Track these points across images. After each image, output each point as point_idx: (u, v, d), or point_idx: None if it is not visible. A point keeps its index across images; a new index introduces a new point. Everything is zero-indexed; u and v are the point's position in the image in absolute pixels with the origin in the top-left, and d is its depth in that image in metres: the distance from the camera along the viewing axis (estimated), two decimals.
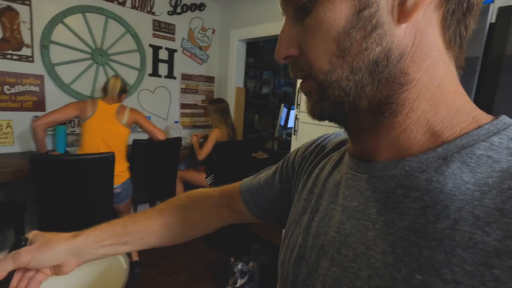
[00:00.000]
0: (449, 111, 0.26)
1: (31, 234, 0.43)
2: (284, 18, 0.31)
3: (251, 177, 0.53)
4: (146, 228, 0.47)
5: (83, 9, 2.11)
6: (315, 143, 0.45)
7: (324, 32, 0.26)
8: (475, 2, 0.25)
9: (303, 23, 0.28)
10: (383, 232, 0.25)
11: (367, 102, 0.27)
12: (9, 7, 1.83)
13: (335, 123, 0.31)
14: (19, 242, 0.41)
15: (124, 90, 1.93)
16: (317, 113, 0.30)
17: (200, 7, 2.79)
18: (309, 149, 0.45)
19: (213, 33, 2.96)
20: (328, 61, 0.27)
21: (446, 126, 0.26)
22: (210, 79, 3.04)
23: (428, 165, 0.25)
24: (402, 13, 0.24)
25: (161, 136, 1.96)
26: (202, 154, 2.35)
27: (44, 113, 1.99)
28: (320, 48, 0.27)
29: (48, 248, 0.41)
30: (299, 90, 0.30)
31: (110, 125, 1.80)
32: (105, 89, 1.88)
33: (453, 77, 0.27)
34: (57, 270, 0.42)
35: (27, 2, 1.89)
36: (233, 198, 0.52)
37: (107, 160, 1.62)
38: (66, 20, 2.05)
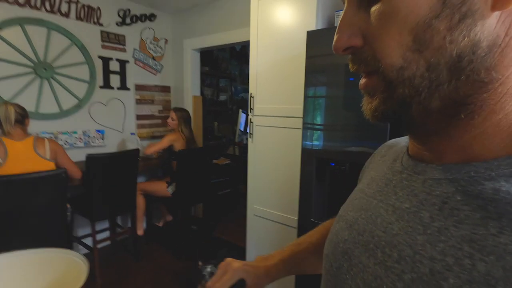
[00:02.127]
0: None
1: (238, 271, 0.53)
2: (346, 3, 0.27)
3: None
4: (309, 267, 0.56)
5: (20, 21, 2.00)
6: (374, 153, 0.44)
7: (400, 21, 0.23)
8: None
9: (370, 9, 0.25)
10: (435, 238, 0.24)
11: (439, 103, 0.24)
12: None
13: (398, 125, 0.28)
14: (242, 285, 0.52)
15: (24, 115, 1.62)
16: (380, 115, 0.27)
17: (151, 17, 2.78)
18: (369, 160, 0.45)
19: (166, 43, 2.96)
20: (401, 56, 0.23)
21: None
22: (166, 89, 3.02)
23: (499, 172, 0.23)
24: None
25: (76, 176, 1.84)
26: (151, 149, 2.35)
27: None
28: (393, 40, 0.24)
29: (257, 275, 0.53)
30: (361, 90, 0.28)
31: (33, 165, 1.54)
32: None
33: None
34: None
35: None
36: None
37: (59, 177, 1.55)
38: (1, 32, 1.93)
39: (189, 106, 2.91)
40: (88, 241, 2.28)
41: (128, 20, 2.61)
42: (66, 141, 2.31)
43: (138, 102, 2.79)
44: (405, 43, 0.23)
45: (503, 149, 0.23)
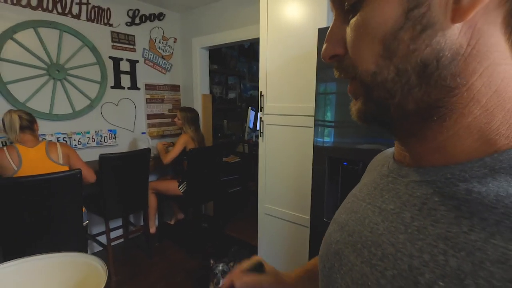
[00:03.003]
0: (507, 118, 0.24)
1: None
2: (334, 15, 0.30)
3: None
4: None
5: (34, 24, 2.04)
6: (373, 160, 0.47)
7: (371, 32, 0.26)
8: None
9: (350, 22, 0.27)
10: (414, 237, 0.25)
11: (414, 105, 0.26)
12: None
13: (381, 126, 0.31)
14: (261, 266, 0.51)
15: (32, 120, 1.63)
16: (362, 116, 0.30)
17: (160, 16, 2.79)
18: (368, 166, 0.47)
19: (174, 42, 2.97)
20: (373, 62, 0.26)
21: (502, 135, 0.24)
22: (175, 88, 3.04)
23: (472, 174, 0.24)
24: (457, 11, 0.22)
25: (91, 179, 1.81)
26: (168, 157, 2.36)
27: None
28: (366, 49, 0.26)
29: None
30: (348, 93, 0.32)
31: (47, 171, 1.53)
32: (6, 131, 1.58)
33: None
34: None
35: None
36: None
37: (74, 177, 1.58)
38: (16, 36, 1.97)
39: (198, 104, 2.92)
40: (102, 238, 2.33)
41: (137, 20, 2.63)
42: (80, 141, 2.35)
43: (148, 101, 2.81)
44: (376, 51, 0.26)
45: (475, 151, 0.25)
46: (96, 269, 0.49)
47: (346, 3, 0.28)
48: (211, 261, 1.88)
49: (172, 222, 2.84)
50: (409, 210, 0.28)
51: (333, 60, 0.30)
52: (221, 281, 1.79)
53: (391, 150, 0.41)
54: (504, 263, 0.20)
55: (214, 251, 2.41)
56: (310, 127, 1.47)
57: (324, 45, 0.30)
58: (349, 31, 0.28)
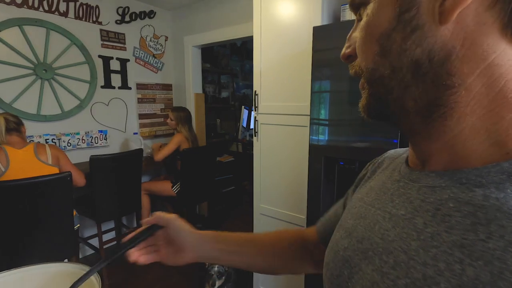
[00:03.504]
0: None
1: (158, 217, 0.51)
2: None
3: (324, 217, 0.54)
4: (250, 259, 0.55)
5: (19, 22, 1.97)
6: (373, 162, 0.46)
7: (369, 33, 0.28)
8: None
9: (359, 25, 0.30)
10: (427, 244, 0.25)
11: (413, 103, 0.27)
12: None
13: (386, 122, 0.32)
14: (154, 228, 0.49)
15: (19, 123, 1.62)
16: (366, 110, 0.32)
17: (150, 14, 2.74)
18: (368, 169, 0.46)
19: (166, 40, 2.93)
20: (372, 60, 0.28)
21: None
22: (167, 87, 2.99)
23: (489, 179, 0.24)
24: (442, 14, 0.24)
25: (80, 182, 1.77)
26: (160, 154, 2.33)
27: None
28: (367, 48, 0.29)
29: (182, 227, 0.52)
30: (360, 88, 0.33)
31: (36, 171, 1.53)
32: None
33: None
34: (175, 257, 0.52)
35: None
36: (312, 247, 0.55)
37: (64, 180, 1.53)
38: (0, 34, 1.90)
39: (191, 103, 2.88)
40: (94, 241, 2.28)
41: (127, 18, 2.57)
42: (69, 143, 2.30)
43: (140, 101, 2.76)
44: (374, 50, 0.28)
45: (487, 153, 0.25)
46: (89, 280, 0.47)
47: (355, 8, 0.31)
48: (207, 263, 1.86)
49: None
50: (422, 216, 0.27)
51: (349, 60, 0.33)
52: (216, 282, 1.78)
53: (401, 154, 0.40)
54: None
55: None
56: (306, 126, 1.46)
57: (344, 46, 0.33)
58: (357, 32, 0.31)
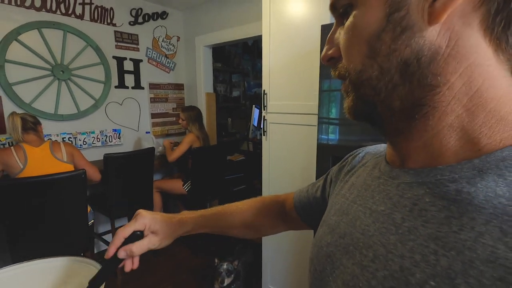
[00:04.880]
0: (489, 119, 0.25)
1: (140, 216, 0.53)
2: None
3: (303, 188, 0.59)
4: (227, 230, 0.61)
5: (38, 25, 2.05)
6: (353, 155, 0.47)
7: (358, 34, 0.28)
8: None
9: (344, 26, 0.30)
10: (405, 238, 0.26)
11: (399, 103, 0.27)
12: None
13: (371, 123, 0.32)
14: (138, 236, 0.50)
15: (36, 122, 1.68)
16: (352, 112, 0.32)
17: (163, 15, 2.79)
18: (347, 160, 0.48)
19: (178, 40, 2.97)
20: (360, 62, 0.28)
21: (484, 134, 0.25)
22: (179, 87, 3.04)
23: (461, 175, 0.25)
24: (432, 14, 0.24)
25: (95, 178, 1.84)
26: (174, 155, 2.37)
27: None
28: (354, 49, 0.29)
29: (156, 222, 0.53)
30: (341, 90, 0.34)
31: (52, 168, 1.59)
32: (10, 132, 1.64)
33: (501, 82, 0.25)
34: (160, 243, 0.54)
35: None
36: (290, 211, 0.60)
37: (79, 177, 1.59)
38: (21, 37, 1.98)
39: (202, 103, 2.91)
40: (108, 237, 2.35)
41: (140, 19, 2.63)
42: (85, 141, 2.37)
43: (152, 100, 2.82)
44: (362, 52, 0.28)
45: (460, 150, 0.26)
46: (93, 272, 0.49)
47: (338, 9, 0.30)
48: (216, 260, 1.88)
49: None
50: (400, 211, 0.28)
51: (331, 62, 0.33)
52: (225, 280, 1.80)
53: (381, 151, 0.42)
54: (494, 262, 0.20)
55: (218, 249, 2.41)
56: (314, 125, 1.45)
57: (324, 48, 0.33)
58: (342, 33, 0.30)
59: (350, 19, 0.29)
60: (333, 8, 0.31)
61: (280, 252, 1.77)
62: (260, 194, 1.85)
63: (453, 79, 0.25)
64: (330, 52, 0.32)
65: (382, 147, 0.44)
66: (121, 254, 0.48)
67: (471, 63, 0.25)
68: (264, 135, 1.74)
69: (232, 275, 1.82)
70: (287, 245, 1.74)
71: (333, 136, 1.36)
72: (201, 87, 2.91)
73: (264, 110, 1.71)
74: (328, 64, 0.33)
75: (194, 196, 2.41)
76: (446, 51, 0.24)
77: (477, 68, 0.25)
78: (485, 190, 0.23)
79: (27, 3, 1.98)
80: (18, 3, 1.95)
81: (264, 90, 1.69)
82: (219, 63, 3.45)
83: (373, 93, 0.28)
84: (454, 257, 0.22)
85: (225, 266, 1.82)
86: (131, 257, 0.50)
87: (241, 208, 0.62)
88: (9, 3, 1.92)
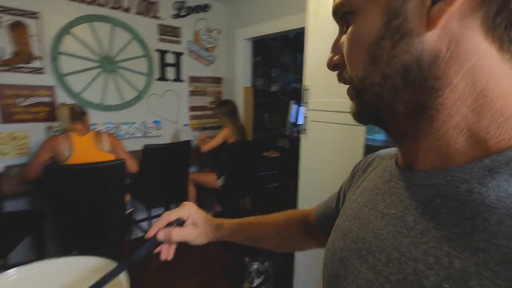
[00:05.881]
0: (496, 118, 0.25)
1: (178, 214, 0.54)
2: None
3: (322, 203, 0.59)
4: (260, 239, 0.63)
5: (89, 19, 2.15)
6: (364, 160, 0.47)
7: (358, 42, 0.29)
8: None
9: (346, 33, 0.30)
10: (418, 240, 0.26)
11: (403, 107, 0.28)
12: (18, 22, 1.88)
13: (377, 126, 0.33)
14: (179, 223, 0.53)
15: (83, 113, 1.75)
16: (357, 116, 0.32)
17: (205, 8, 2.78)
18: (358, 166, 0.48)
19: (218, 33, 2.95)
20: (362, 69, 0.29)
21: (492, 134, 0.25)
22: (217, 80, 3.03)
23: (472, 175, 0.25)
24: (429, 20, 0.25)
25: (133, 169, 1.87)
26: (207, 146, 2.36)
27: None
28: (356, 57, 0.29)
29: (199, 216, 0.55)
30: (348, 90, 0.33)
31: (94, 157, 1.67)
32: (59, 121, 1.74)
33: (505, 80, 0.25)
34: (198, 237, 0.55)
35: (36, 16, 1.93)
36: (313, 224, 0.60)
37: (118, 167, 1.63)
38: (73, 30, 2.09)
39: (239, 97, 2.88)
40: (145, 225, 2.43)
41: (183, 12, 2.64)
42: (127, 131, 2.47)
43: (191, 93, 2.84)
44: (364, 59, 0.28)
45: (469, 151, 0.26)
46: (117, 279, 0.45)
47: (339, 16, 0.31)
48: (246, 259, 1.84)
49: (210, 214, 2.87)
50: (412, 214, 0.28)
51: (336, 68, 0.33)
52: (255, 280, 1.75)
53: (392, 154, 0.41)
54: (508, 262, 0.20)
55: (250, 248, 2.37)
56: (361, 125, 1.32)
57: (330, 55, 0.33)
58: (345, 41, 0.31)
59: (352, 27, 0.29)
60: (335, 14, 0.32)
61: (315, 259, 1.66)
62: (295, 193, 1.76)
63: (456, 81, 0.25)
64: (335, 58, 0.33)
65: (393, 150, 0.43)
66: (160, 235, 0.49)
67: (473, 64, 0.25)
68: (303, 133, 1.63)
69: (262, 276, 1.77)
70: (322, 251, 1.63)
71: (380, 137, 1.23)
72: (239, 81, 2.87)
73: (304, 106, 1.60)
74: (333, 70, 0.34)
75: (227, 191, 2.39)
76: (446, 54, 0.25)
77: (480, 69, 0.25)
78: (497, 190, 0.23)
79: None
80: None
81: (305, 86, 1.58)
82: (258, 57, 3.39)
83: (376, 98, 0.29)
84: (468, 259, 0.22)
85: (255, 266, 1.77)
86: (168, 243, 0.52)
87: (273, 217, 0.64)
88: None
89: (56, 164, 1.65)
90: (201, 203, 2.81)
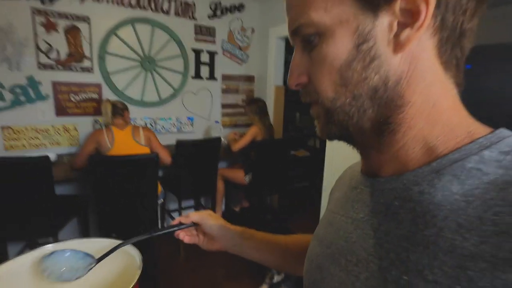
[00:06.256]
0: (445, 128, 0.28)
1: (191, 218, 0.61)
2: (295, 48, 0.34)
3: None
4: (267, 257, 0.60)
5: (132, 21, 2.32)
6: (341, 175, 0.50)
7: (329, 64, 0.29)
8: (467, 27, 0.27)
9: (310, 54, 0.31)
10: (382, 240, 0.28)
11: (369, 124, 0.30)
12: (73, 26, 2.10)
13: (343, 141, 0.35)
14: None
15: (123, 109, 1.90)
16: (325, 134, 0.34)
17: (240, 8, 2.84)
18: (337, 181, 0.51)
19: (252, 32, 3.00)
20: (332, 90, 0.30)
21: (441, 142, 0.28)
22: (250, 79, 3.09)
23: (423, 178, 0.27)
24: (397, 45, 0.27)
25: (166, 161, 1.98)
26: (237, 145, 2.42)
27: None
28: (326, 78, 0.30)
29: (213, 222, 0.60)
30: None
31: (132, 150, 1.82)
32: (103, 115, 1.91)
33: (450, 95, 0.29)
34: (208, 244, 0.62)
35: (87, 20, 2.14)
36: None
37: (152, 160, 1.76)
38: (118, 32, 2.28)
39: (270, 96, 2.90)
40: (176, 215, 2.58)
41: (218, 13, 2.73)
42: (163, 126, 2.63)
43: (224, 91, 2.93)
44: (334, 80, 0.29)
45: (422, 158, 0.28)
46: (133, 259, 0.51)
47: (303, 38, 0.31)
48: None
49: (237, 209, 2.95)
50: (376, 217, 0.31)
51: (298, 87, 0.34)
52: (275, 277, 1.78)
53: (358, 164, 0.43)
54: (453, 252, 0.23)
55: None
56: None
57: (289, 74, 0.34)
58: (311, 62, 0.31)
59: (319, 49, 0.29)
60: (295, 34, 0.32)
61: None
62: (320, 194, 1.76)
63: (415, 98, 0.28)
64: (297, 79, 0.33)
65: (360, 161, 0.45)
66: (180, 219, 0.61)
67: (428, 83, 0.28)
68: None
69: (283, 273, 1.80)
70: None
71: None
72: (271, 79, 2.89)
73: None
74: (295, 89, 0.34)
75: (254, 188, 2.44)
76: (408, 74, 0.27)
77: (432, 86, 0.28)
78: (442, 189, 0.25)
79: (125, 2, 2.26)
80: (119, 2, 2.23)
81: None
82: (291, 56, 3.37)
83: (347, 118, 0.30)
84: (421, 252, 0.24)
85: None
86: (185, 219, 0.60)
87: (289, 238, 0.63)
88: (112, 2, 2.21)
89: (100, 155, 1.83)
90: (229, 198, 2.90)
